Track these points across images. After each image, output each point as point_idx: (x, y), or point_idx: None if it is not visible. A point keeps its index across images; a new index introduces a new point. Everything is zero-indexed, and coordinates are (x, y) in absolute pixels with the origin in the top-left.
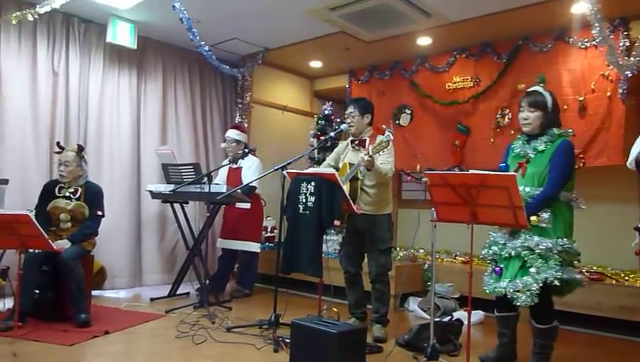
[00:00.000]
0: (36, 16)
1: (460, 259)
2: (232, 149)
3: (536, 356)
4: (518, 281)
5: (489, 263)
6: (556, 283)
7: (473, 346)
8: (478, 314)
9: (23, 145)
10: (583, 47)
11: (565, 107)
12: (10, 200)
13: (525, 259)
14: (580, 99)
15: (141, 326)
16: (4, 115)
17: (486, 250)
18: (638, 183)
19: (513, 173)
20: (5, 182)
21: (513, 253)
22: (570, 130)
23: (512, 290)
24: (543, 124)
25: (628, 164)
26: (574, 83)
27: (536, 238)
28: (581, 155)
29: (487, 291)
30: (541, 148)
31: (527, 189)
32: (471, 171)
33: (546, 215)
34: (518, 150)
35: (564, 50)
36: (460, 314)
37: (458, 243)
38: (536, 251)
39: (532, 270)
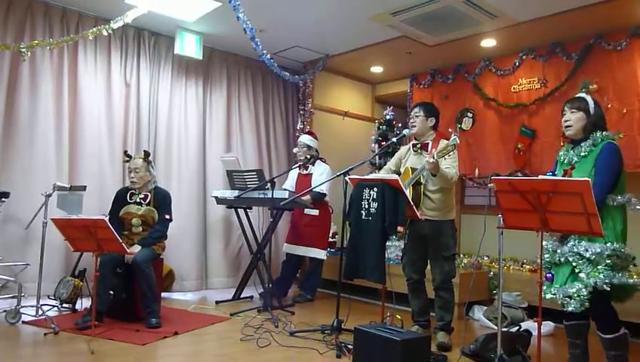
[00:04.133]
0: (110, 31)
1: (528, 266)
2: (302, 153)
3: None
4: (567, 287)
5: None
6: (606, 288)
7: (543, 358)
8: (547, 325)
9: (99, 153)
10: None
11: None
12: (87, 205)
13: (574, 264)
14: None
15: (208, 328)
16: (82, 125)
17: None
18: None
19: (587, 178)
20: (83, 188)
21: (563, 260)
22: (615, 133)
23: (562, 296)
24: (586, 127)
25: None
26: None
27: (584, 243)
28: None
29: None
30: (584, 153)
31: None
32: (540, 177)
33: None
34: (563, 157)
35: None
36: (529, 325)
37: (525, 250)
38: (586, 256)
39: (581, 275)
